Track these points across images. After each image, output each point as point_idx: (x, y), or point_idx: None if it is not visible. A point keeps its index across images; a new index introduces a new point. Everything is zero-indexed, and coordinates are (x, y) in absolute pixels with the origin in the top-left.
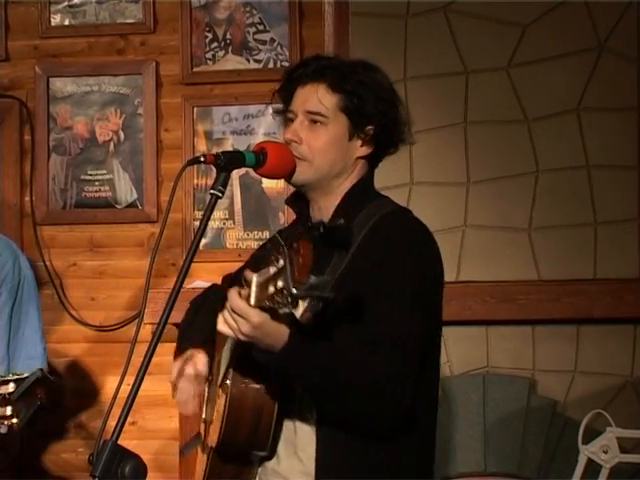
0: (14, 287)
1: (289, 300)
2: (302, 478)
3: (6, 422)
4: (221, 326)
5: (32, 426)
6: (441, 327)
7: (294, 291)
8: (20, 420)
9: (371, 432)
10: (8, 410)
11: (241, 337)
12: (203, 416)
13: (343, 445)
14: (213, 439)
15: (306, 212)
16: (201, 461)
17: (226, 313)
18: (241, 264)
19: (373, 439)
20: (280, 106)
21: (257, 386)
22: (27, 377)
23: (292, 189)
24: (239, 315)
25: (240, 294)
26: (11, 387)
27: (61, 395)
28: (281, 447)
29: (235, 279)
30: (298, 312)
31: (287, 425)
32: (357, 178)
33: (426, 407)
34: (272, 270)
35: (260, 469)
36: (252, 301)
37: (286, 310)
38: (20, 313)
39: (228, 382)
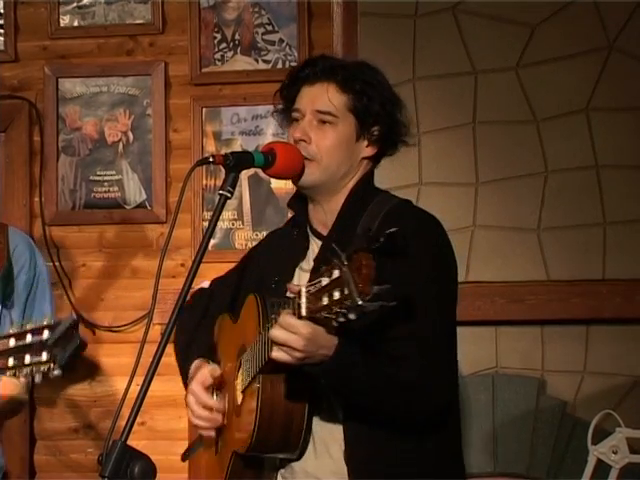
0: (29, 279)
1: (350, 310)
2: (333, 477)
3: (42, 368)
4: (276, 354)
5: (67, 366)
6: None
7: (360, 302)
8: (59, 362)
9: (410, 428)
10: (44, 356)
11: (298, 355)
12: None
13: (372, 442)
14: (237, 442)
15: (305, 214)
16: (211, 464)
17: (277, 331)
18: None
19: (403, 435)
20: (280, 105)
21: (287, 389)
22: (61, 323)
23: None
24: (290, 332)
25: (287, 311)
26: (45, 334)
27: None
28: (310, 446)
29: (227, 282)
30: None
31: (317, 424)
32: (360, 177)
33: (453, 403)
34: (325, 281)
35: (283, 470)
36: (303, 312)
37: (342, 320)
38: (33, 308)
39: (258, 386)
